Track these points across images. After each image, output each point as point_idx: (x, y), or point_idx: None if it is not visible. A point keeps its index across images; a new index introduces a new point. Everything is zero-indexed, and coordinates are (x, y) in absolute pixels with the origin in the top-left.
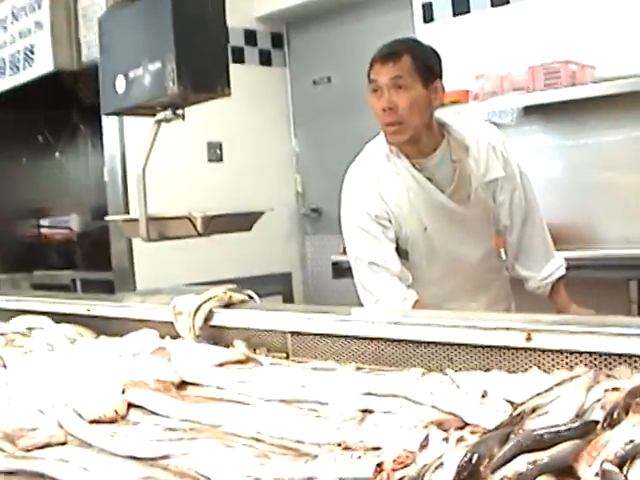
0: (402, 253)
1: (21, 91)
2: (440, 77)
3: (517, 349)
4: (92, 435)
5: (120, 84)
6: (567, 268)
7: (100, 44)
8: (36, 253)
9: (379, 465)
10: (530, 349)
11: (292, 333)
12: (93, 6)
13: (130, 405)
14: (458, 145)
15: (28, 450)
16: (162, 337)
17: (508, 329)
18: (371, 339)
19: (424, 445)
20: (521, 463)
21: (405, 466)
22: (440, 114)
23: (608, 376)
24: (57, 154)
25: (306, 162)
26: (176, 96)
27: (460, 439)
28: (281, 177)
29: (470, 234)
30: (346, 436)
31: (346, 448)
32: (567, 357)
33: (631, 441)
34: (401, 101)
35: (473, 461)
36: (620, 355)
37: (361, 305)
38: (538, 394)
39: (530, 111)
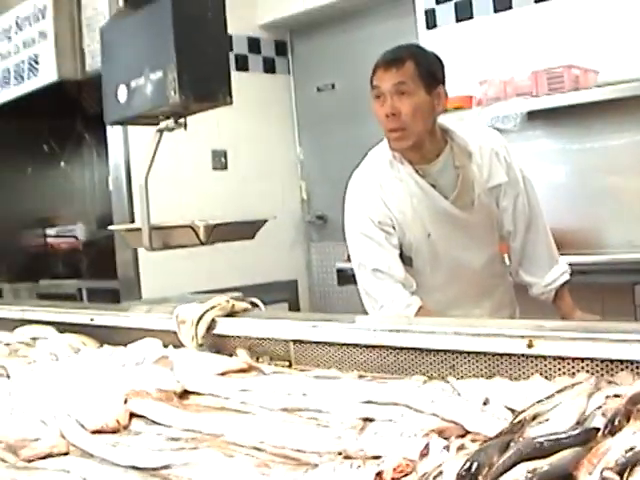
0: (406, 259)
1: (25, 101)
2: (443, 83)
3: (519, 356)
4: (94, 445)
5: (122, 93)
6: (572, 273)
7: (102, 54)
8: (42, 262)
9: (379, 474)
10: (532, 356)
11: (294, 341)
12: (97, 16)
13: (132, 415)
14: (461, 151)
15: (30, 460)
16: (166, 346)
17: (510, 336)
18: (373, 347)
19: (424, 454)
20: (520, 472)
21: (405, 475)
22: (443, 120)
23: (609, 382)
24: (62, 164)
25: (311, 169)
26: (178, 105)
27: (461, 447)
28: (286, 184)
29: (473, 240)
30: (347, 445)
31: (346, 457)
32: (569, 363)
33: (632, 448)
34: (404, 107)
35: (472, 470)
36: (622, 361)
37: (365, 312)
38: (539, 401)
39: (533, 116)
